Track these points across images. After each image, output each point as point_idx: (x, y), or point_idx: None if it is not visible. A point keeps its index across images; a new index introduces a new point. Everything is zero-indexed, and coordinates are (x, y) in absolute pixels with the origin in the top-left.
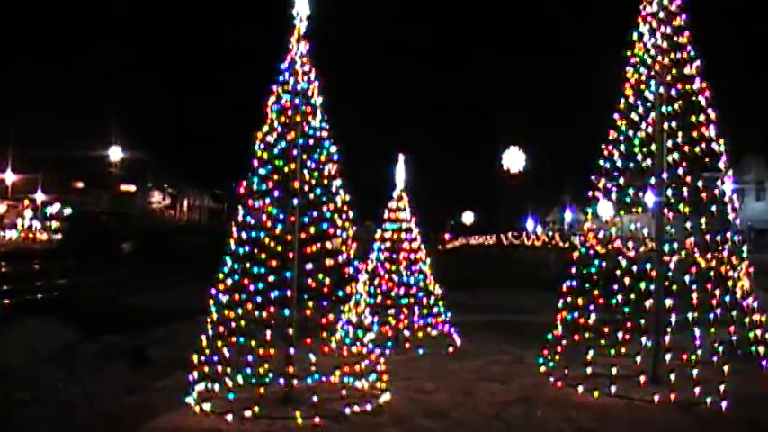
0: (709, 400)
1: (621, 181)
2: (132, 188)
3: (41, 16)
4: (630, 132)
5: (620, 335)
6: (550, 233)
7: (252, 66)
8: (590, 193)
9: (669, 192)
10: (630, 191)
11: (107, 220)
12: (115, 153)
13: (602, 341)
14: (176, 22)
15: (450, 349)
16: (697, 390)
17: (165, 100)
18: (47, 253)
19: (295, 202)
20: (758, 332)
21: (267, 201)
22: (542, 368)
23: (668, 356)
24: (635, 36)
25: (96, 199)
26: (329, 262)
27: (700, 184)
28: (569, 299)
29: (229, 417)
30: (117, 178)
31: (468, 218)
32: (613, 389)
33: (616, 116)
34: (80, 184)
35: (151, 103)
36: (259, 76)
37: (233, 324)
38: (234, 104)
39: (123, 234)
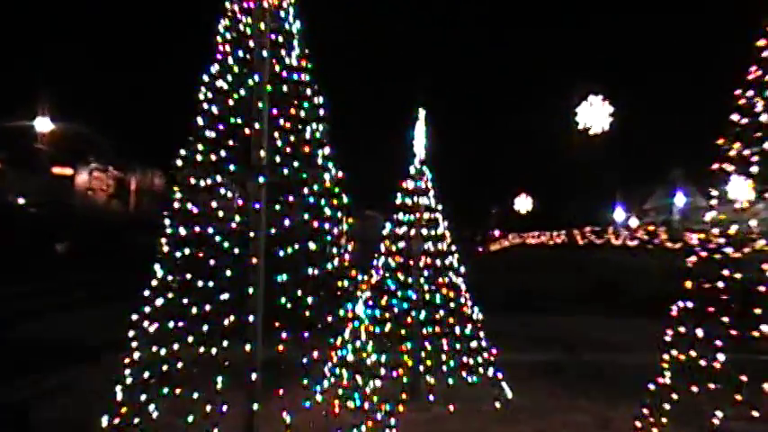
0: None
1: None
2: (69, 171)
3: None
4: None
5: (766, 386)
6: (651, 228)
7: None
8: (716, 166)
9: None
10: None
11: (36, 213)
12: (43, 125)
13: (738, 396)
14: None
15: (497, 404)
16: None
17: (104, 57)
18: None
19: (261, 180)
20: None
21: (218, 178)
22: None
23: None
24: None
25: (20, 184)
26: (313, 272)
27: None
28: (682, 329)
29: None
30: (47, 158)
31: (523, 204)
32: None
33: (762, 43)
34: None
35: (86, 63)
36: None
37: (165, 367)
38: (192, 57)
39: (56, 230)
